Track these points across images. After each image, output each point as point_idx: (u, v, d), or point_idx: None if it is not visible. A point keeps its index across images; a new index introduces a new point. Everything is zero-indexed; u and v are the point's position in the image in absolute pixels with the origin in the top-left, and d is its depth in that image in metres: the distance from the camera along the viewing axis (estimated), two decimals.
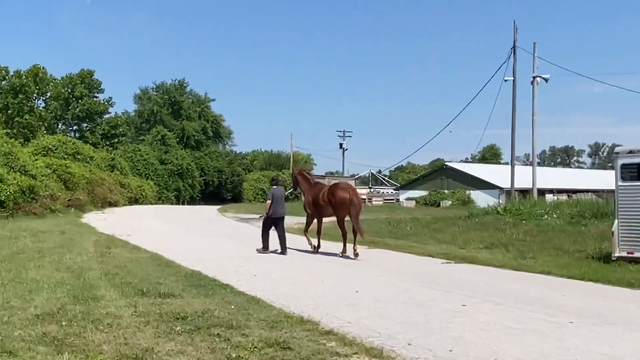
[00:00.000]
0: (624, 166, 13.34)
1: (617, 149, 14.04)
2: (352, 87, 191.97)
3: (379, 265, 13.58)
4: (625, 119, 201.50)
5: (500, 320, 7.82)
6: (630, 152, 13.37)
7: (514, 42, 35.93)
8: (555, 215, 22.13)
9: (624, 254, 13.16)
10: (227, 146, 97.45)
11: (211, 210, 44.57)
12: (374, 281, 11.20)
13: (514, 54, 35.88)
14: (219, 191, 77.89)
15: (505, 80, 36.01)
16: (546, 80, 35.39)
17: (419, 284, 10.93)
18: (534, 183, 35.49)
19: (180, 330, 6.84)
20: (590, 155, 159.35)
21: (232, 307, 8.30)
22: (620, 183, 13.35)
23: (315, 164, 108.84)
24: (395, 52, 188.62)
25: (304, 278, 11.41)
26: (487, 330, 7.31)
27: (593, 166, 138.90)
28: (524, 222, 21.26)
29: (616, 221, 13.30)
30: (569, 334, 7.16)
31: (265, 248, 15.76)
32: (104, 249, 14.82)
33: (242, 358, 5.94)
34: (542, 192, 41.36)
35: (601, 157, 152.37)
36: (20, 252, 13.67)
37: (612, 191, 14.10)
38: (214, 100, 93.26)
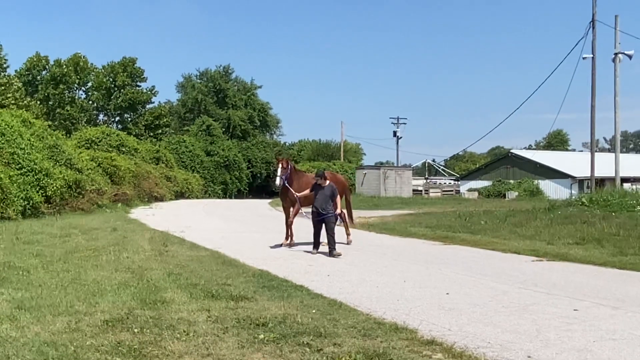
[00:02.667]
0: None
1: None
2: (406, 70, 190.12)
3: (461, 264, 13.03)
4: None
5: (627, 329, 7.21)
6: None
7: (593, 15, 34.53)
8: None
9: None
10: (274, 136, 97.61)
11: (262, 204, 44.44)
12: (463, 282, 10.67)
13: (593, 28, 34.50)
14: (267, 184, 77.76)
15: (584, 58, 34.63)
16: (630, 57, 33.84)
17: (515, 285, 10.35)
18: (616, 171, 34.13)
19: (265, 339, 6.49)
20: None
21: (314, 311, 7.95)
22: None
23: (364, 154, 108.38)
24: (452, 31, 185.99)
25: (384, 279, 10.95)
26: (615, 339, 6.72)
27: None
28: (614, 214, 20.29)
29: None
30: None
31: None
32: (161, 246, 14.70)
33: None
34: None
35: None
36: (74, 251, 13.66)
37: None
38: (260, 87, 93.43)
